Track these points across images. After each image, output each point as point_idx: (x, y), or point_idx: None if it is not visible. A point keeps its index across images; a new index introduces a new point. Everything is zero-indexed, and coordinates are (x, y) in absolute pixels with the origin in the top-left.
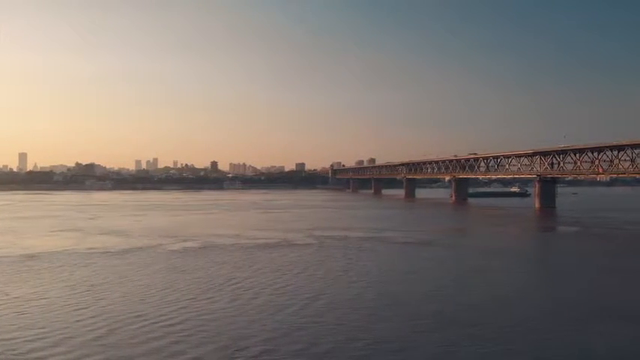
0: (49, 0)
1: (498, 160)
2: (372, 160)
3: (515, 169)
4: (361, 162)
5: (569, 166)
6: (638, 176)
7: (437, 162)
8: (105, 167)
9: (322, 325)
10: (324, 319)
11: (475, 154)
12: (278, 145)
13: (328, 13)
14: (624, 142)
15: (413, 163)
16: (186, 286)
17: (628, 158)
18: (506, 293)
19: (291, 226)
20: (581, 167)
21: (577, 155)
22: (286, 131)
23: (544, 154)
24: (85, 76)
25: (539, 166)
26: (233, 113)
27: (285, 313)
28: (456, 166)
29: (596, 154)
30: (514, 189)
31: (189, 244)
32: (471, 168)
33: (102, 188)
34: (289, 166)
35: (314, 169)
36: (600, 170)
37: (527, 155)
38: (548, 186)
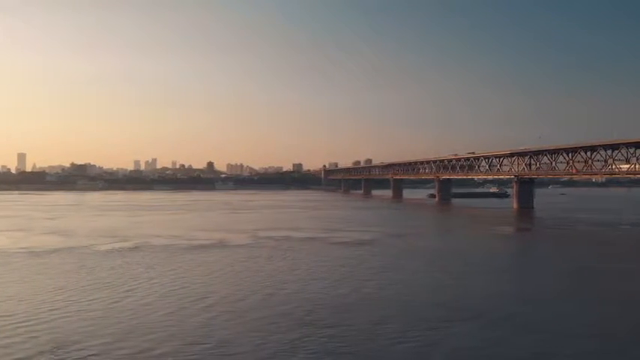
0: (49, 0)
1: (478, 160)
2: (369, 161)
3: (495, 169)
4: (358, 162)
5: (547, 167)
6: (611, 177)
7: (422, 162)
8: (102, 167)
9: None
10: (186, 323)
11: (473, 153)
12: (277, 146)
13: (328, 13)
14: (596, 143)
15: (400, 164)
16: (81, 287)
17: (601, 159)
18: (375, 292)
19: (244, 226)
20: (557, 168)
21: (553, 156)
22: (286, 131)
23: (521, 154)
24: (85, 76)
25: (517, 167)
26: (233, 113)
27: (156, 315)
28: (439, 167)
29: (571, 154)
30: (493, 189)
31: (122, 245)
32: (453, 169)
33: (93, 189)
34: (288, 166)
35: (308, 170)
36: (574, 171)
37: (505, 156)
38: (526, 186)
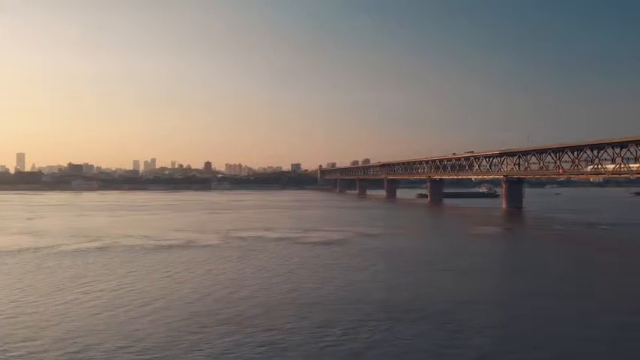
0: (49, 0)
1: (469, 160)
2: (367, 161)
3: (485, 169)
4: (356, 162)
5: (536, 167)
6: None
7: (414, 162)
8: (100, 167)
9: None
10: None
11: (472, 152)
12: (277, 146)
13: (328, 13)
14: (582, 143)
15: (394, 164)
16: (34, 287)
17: (588, 158)
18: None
19: (220, 227)
20: (545, 168)
21: (541, 156)
22: (285, 131)
23: (510, 154)
24: (85, 76)
25: (506, 167)
26: (232, 113)
27: (96, 318)
28: (431, 167)
29: (558, 154)
30: (482, 189)
31: (90, 245)
32: (445, 169)
33: (88, 189)
34: (287, 166)
35: (305, 170)
36: (560, 171)
37: (495, 156)
38: (515, 186)
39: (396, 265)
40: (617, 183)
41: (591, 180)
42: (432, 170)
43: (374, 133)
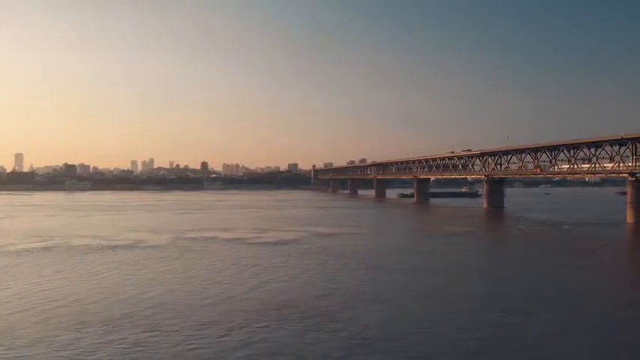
0: (49, 0)
1: (453, 160)
2: (363, 160)
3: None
4: (352, 162)
5: (516, 167)
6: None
7: (402, 162)
8: (97, 168)
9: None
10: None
11: (469, 150)
12: (276, 146)
13: (328, 14)
14: (558, 143)
15: (382, 164)
16: None
17: (565, 158)
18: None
19: (180, 227)
20: (524, 168)
21: (521, 155)
22: (285, 132)
23: (492, 154)
24: (84, 77)
25: (488, 167)
26: (232, 113)
27: None
28: (417, 167)
29: (539, 154)
30: (464, 189)
31: (38, 245)
32: (430, 168)
33: (81, 189)
34: (285, 166)
35: (300, 170)
36: (538, 171)
37: (476, 155)
38: (497, 186)
39: (325, 265)
40: (614, 182)
41: (587, 180)
42: (419, 170)
43: (373, 133)
